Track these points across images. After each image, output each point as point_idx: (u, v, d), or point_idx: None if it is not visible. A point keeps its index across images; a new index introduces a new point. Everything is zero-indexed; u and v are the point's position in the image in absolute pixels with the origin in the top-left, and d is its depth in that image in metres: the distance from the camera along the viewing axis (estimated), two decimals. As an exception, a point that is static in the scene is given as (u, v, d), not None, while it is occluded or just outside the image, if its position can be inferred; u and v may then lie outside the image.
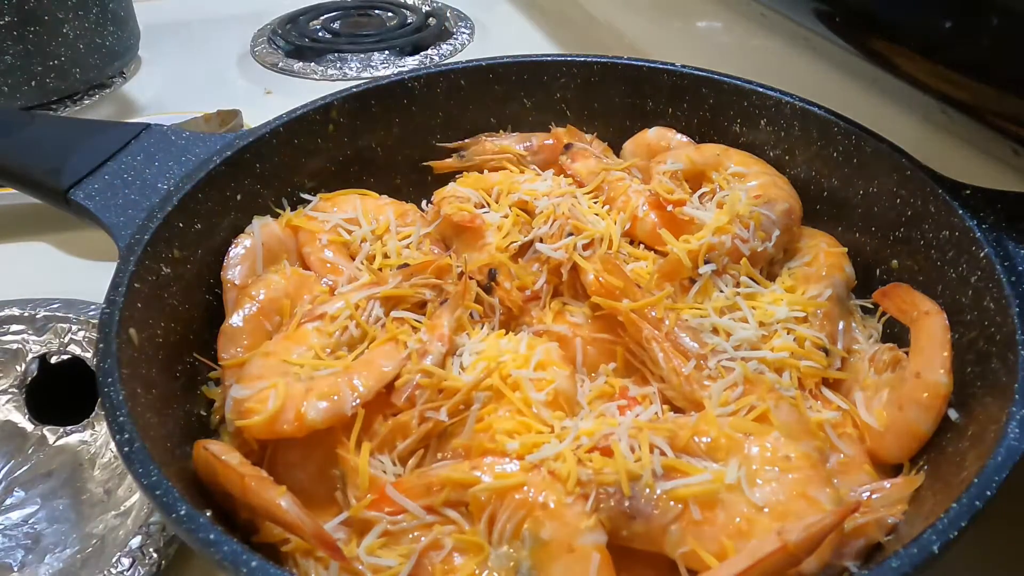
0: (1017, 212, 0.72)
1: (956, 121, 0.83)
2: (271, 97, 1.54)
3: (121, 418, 0.57)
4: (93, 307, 0.97)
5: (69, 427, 0.90)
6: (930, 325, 0.69)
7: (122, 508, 0.82)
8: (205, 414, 0.75)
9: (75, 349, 0.92)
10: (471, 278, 0.80)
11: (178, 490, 0.52)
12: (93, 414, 0.91)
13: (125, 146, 0.83)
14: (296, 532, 0.56)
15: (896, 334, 0.79)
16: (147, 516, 0.75)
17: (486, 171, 1.00)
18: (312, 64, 1.62)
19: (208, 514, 0.53)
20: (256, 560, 0.47)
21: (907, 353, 0.72)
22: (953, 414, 0.65)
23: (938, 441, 0.65)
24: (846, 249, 0.85)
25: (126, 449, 0.54)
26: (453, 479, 0.61)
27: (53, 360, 0.91)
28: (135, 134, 0.84)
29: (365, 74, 1.59)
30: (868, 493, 0.63)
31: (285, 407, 0.66)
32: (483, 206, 0.93)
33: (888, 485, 0.63)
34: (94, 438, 0.90)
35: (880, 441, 0.69)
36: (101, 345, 0.62)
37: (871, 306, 0.82)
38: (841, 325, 0.78)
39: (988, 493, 0.51)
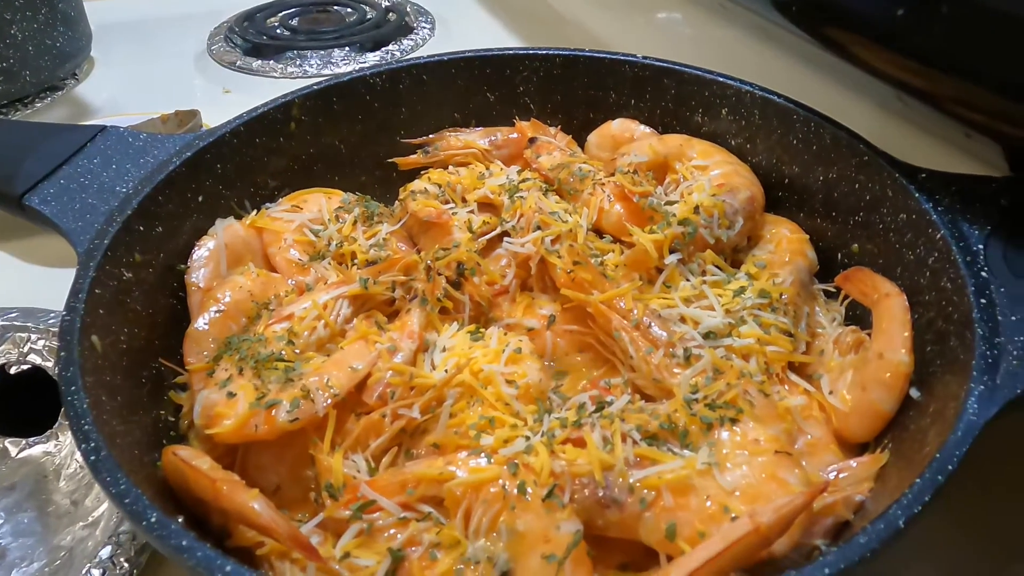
0: (970, 194, 0.74)
1: (911, 107, 0.85)
2: (230, 96, 1.52)
3: (86, 426, 0.55)
4: (52, 315, 0.95)
5: (32, 438, 0.88)
6: (891, 306, 0.71)
7: (90, 519, 0.80)
8: (173, 419, 0.74)
9: (35, 359, 0.89)
10: (439, 274, 0.80)
11: (148, 497, 0.51)
12: (56, 424, 0.89)
13: (81, 149, 0.81)
14: (271, 535, 0.55)
15: (859, 316, 0.81)
16: (116, 526, 0.74)
17: (451, 166, 1.00)
18: (271, 62, 1.60)
19: (180, 520, 0.52)
20: (230, 564, 0.46)
21: (870, 335, 0.74)
22: (915, 392, 0.67)
23: (901, 419, 0.67)
24: (808, 236, 0.87)
25: (92, 458, 0.53)
26: (428, 475, 0.61)
27: (13, 371, 0.89)
28: (91, 136, 0.82)
29: (326, 71, 1.57)
30: (835, 473, 0.65)
31: (255, 410, 0.65)
32: (449, 202, 0.92)
33: (854, 464, 0.65)
34: (58, 449, 0.88)
35: (845, 422, 0.70)
36: (63, 353, 0.61)
37: (834, 290, 0.84)
38: (805, 310, 0.80)
39: (950, 468, 0.52)
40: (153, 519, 0.49)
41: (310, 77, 1.56)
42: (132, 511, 0.50)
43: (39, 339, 0.91)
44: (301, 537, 0.55)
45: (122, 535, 0.72)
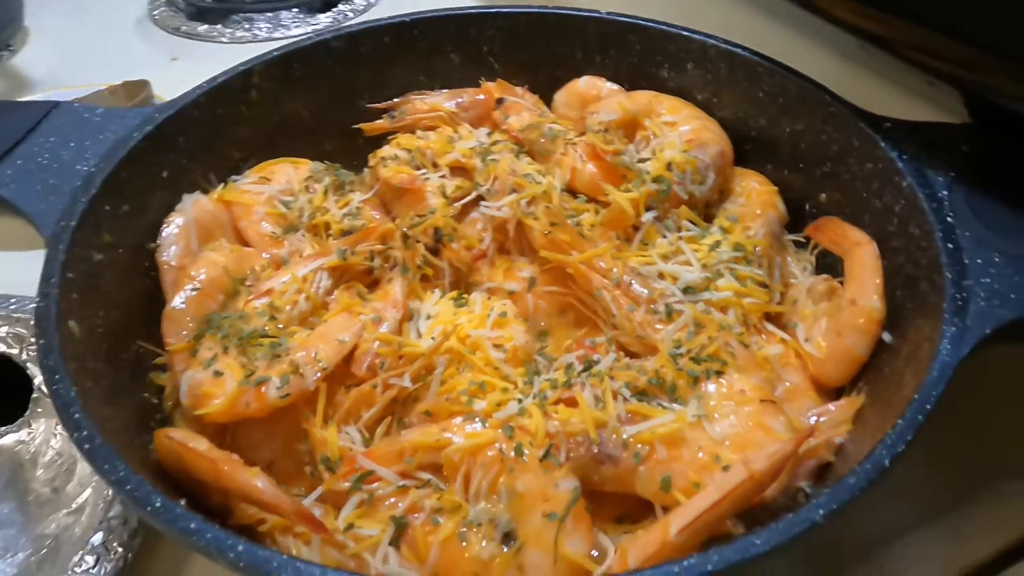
0: (933, 141, 0.76)
1: (874, 56, 0.87)
2: (178, 64, 1.46)
3: (76, 415, 0.54)
4: (14, 300, 0.92)
5: (3, 427, 0.85)
6: (862, 255, 0.73)
7: (74, 505, 0.79)
8: (157, 401, 0.73)
9: (-1, 347, 0.87)
10: (418, 241, 0.80)
11: (148, 482, 0.51)
12: (28, 412, 0.87)
13: (35, 127, 0.77)
14: (275, 511, 0.56)
15: (829, 264, 0.83)
16: (105, 511, 0.73)
17: (419, 131, 0.98)
18: (218, 26, 1.54)
19: (183, 503, 0.52)
20: (242, 544, 0.47)
21: (841, 282, 0.76)
22: (887, 336, 0.70)
23: (875, 363, 0.70)
24: (776, 188, 0.88)
25: (87, 446, 0.52)
26: (425, 443, 0.61)
27: (-24, 360, 0.86)
28: (44, 114, 0.79)
29: (276, 34, 1.52)
30: (816, 417, 0.67)
31: (244, 388, 0.64)
32: (420, 167, 0.91)
33: (833, 408, 0.68)
34: (32, 437, 0.86)
35: (821, 367, 0.73)
36: (42, 341, 0.59)
37: (803, 240, 0.86)
38: (778, 260, 0.82)
39: (928, 407, 0.55)
40: (158, 504, 0.49)
41: (260, 41, 1.51)
42: (135, 498, 0.49)
43: (2, 326, 0.88)
44: (306, 511, 0.55)
45: (113, 520, 0.72)
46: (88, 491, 0.79)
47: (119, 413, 0.62)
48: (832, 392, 0.74)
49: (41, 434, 0.86)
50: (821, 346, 0.73)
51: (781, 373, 0.73)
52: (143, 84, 1.21)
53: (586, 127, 0.91)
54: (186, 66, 1.45)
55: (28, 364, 0.88)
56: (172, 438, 0.59)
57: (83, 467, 0.82)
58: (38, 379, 0.87)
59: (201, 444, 0.58)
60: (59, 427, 0.85)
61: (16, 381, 0.88)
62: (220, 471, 0.56)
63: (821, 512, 0.48)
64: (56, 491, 0.81)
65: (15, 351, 0.89)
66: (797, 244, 0.87)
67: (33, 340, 0.90)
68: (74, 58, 1.46)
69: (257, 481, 0.55)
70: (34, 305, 0.93)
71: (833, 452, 0.64)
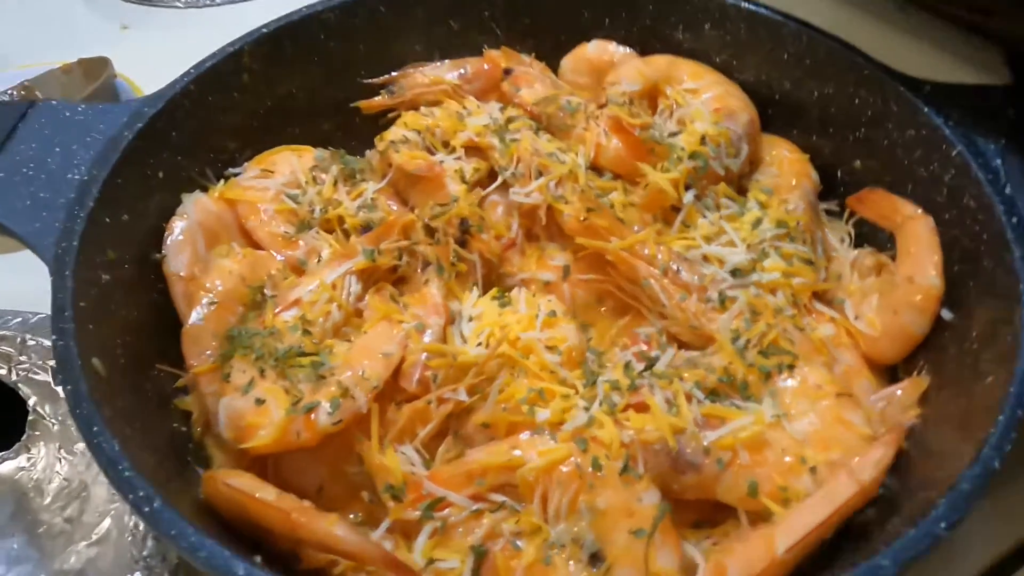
0: (979, 106, 0.73)
1: (907, 13, 0.83)
2: (131, 33, 1.34)
3: (126, 473, 0.49)
4: (-6, 314, 0.85)
5: (-1, 453, 0.79)
6: (917, 229, 0.71)
7: (94, 536, 0.74)
8: (185, 428, 0.67)
9: (-17, 366, 0.80)
10: (445, 234, 0.74)
11: (221, 542, 0.46)
12: (25, 436, 0.80)
13: (12, 133, 0.69)
14: (359, 559, 0.52)
15: (865, 234, 0.81)
16: (139, 547, 0.69)
17: (423, 107, 0.92)
18: (170, -11, 1.41)
19: (259, 559, 0.47)
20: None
21: (893, 257, 0.74)
22: (947, 314, 0.68)
23: (935, 341, 0.68)
24: (807, 155, 0.85)
25: (146, 509, 0.47)
26: (495, 463, 0.58)
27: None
28: (21, 115, 0.70)
29: (236, -4, 1.40)
30: (881, 403, 0.66)
31: (292, 417, 0.60)
32: (431, 149, 0.85)
33: (899, 392, 0.66)
34: (32, 463, 0.80)
35: (875, 345, 0.71)
36: (69, 387, 0.53)
37: (836, 208, 0.84)
38: (819, 234, 0.79)
39: (1026, 399, 0.53)
40: (241, 573, 0.44)
41: (217, 5, 1.39)
42: (213, 566, 0.45)
43: (-17, 344, 0.81)
44: (393, 558, 0.51)
45: (150, 559, 0.67)
46: (108, 520, 0.75)
47: (159, 456, 0.57)
48: (885, 370, 0.72)
49: (43, 459, 0.80)
50: (875, 324, 0.71)
51: (836, 354, 0.71)
52: (103, 62, 1.10)
53: (607, 98, 0.86)
54: (140, 35, 1.33)
55: (19, 385, 0.82)
56: (231, 486, 0.54)
57: (97, 493, 0.77)
58: (32, 400, 0.81)
59: (268, 493, 0.53)
60: (63, 451, 0.79)
61: (6, 402, 0.81)
62: (296, 523, 0.51)
63: (943, 525, 0.47)
64: (70, 521, 0.76)
65: (3, 371, 0.82)
66: (829, 213, 0.85)
67: (22, 359, 0.84)
68: (15, 31, 1.34)
69: (337, 530, 0.51)
70: (13, 321, 0.86)
71: (906, 437, 0.63)
